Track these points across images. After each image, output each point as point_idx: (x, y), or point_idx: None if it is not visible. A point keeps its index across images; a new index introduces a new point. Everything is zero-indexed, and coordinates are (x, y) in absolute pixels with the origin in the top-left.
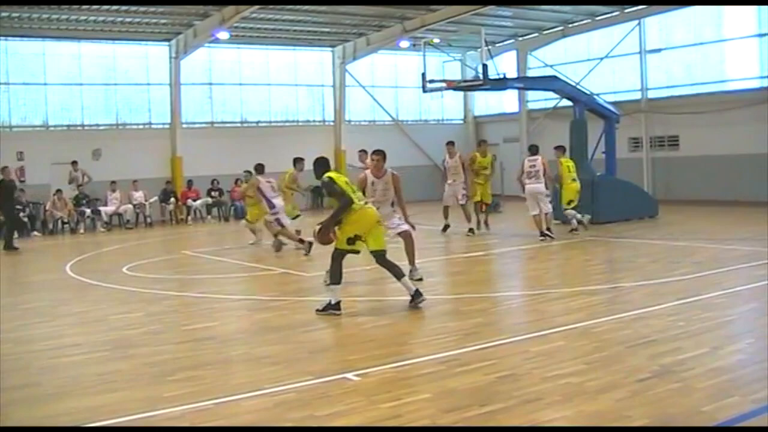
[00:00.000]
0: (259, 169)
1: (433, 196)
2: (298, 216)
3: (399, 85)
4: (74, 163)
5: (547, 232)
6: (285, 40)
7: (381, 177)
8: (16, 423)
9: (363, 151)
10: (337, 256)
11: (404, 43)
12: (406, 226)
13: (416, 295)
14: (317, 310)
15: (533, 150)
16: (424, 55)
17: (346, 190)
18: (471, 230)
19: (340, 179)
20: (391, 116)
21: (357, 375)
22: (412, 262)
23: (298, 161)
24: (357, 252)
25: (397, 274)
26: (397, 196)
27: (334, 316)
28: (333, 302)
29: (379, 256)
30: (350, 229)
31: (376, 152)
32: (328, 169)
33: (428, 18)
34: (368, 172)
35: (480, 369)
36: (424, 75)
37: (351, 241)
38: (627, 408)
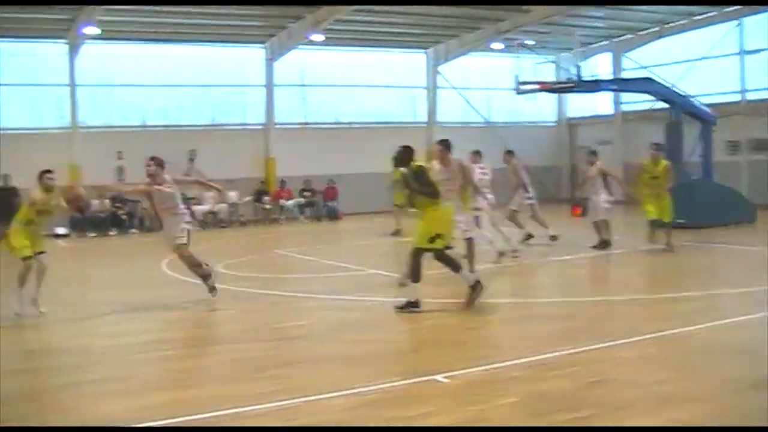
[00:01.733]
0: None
1: None
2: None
3: (491, 86)
4: (192, 151)
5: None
6: (378, 42)
7: (448, 167)
8: (103, 416)
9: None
10: (417, 255)
11: (497, 45)
12: (471, 234)
13: (475, 286)
14: (396, 308)
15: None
16: (517, 57)
17: (435, 183)
18: (529, 236)
19: (430, 171)
20: (483, 118)
21: (446, 377)
22: (472, 267)
23: None
24: (435, 250)
25: (456, 267)
26: (465, 185)
27: (418, 314)
28: (413, 300)
29: (441, 253)
30: (433, 227)
31: (440, 141)
32: (413, 159)
33: (521, 19)
34: (435, 162)
35: (569, 374)
36: (516, 77)
37: (432, 239)
38: (719, 419)
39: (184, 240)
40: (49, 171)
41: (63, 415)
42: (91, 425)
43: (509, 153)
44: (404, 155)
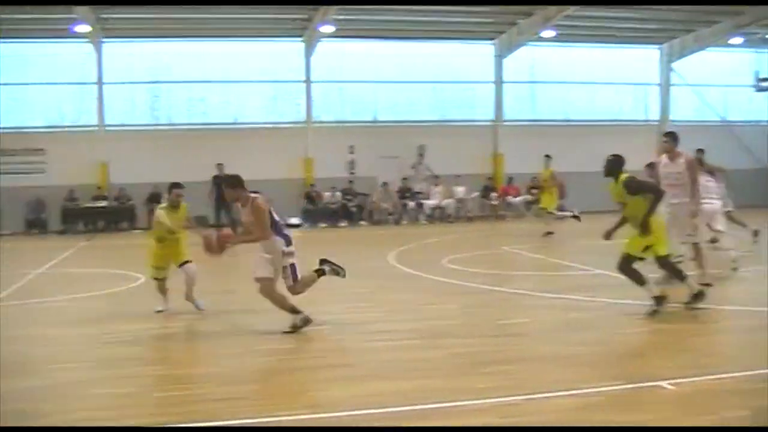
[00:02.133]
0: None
1: (762, 201)
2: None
3: (728, 83)
4: (421, 147)
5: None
6: (609, 38)
7: (674, 161)
8: (331, 400)
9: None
10: (627, 261)
11: (736, 39)
12: (696, 238)
13: (658, 302)
14: (649, 312)
15: None
16: (757, 52)
17: (654, 187)
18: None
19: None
20: (719, 116)
21: (671, 384)
22: (704, 271)
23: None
24: (643, 259)
25: (680, 276)
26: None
27: (641, 318)
28: (659, 296)
29: (664, 261)
30: (649, 238)
31: (667, 134)
32: (622, 169)
33: (762, 12)
34: (663, 156)
35: None
36: (757, 73)
37: (645, 248)
38: None
39: (268, 274)
40: (177, 185)
41: (284, 398)
42: (308, 410)
43: (700, 151)
44: (614, 165)
